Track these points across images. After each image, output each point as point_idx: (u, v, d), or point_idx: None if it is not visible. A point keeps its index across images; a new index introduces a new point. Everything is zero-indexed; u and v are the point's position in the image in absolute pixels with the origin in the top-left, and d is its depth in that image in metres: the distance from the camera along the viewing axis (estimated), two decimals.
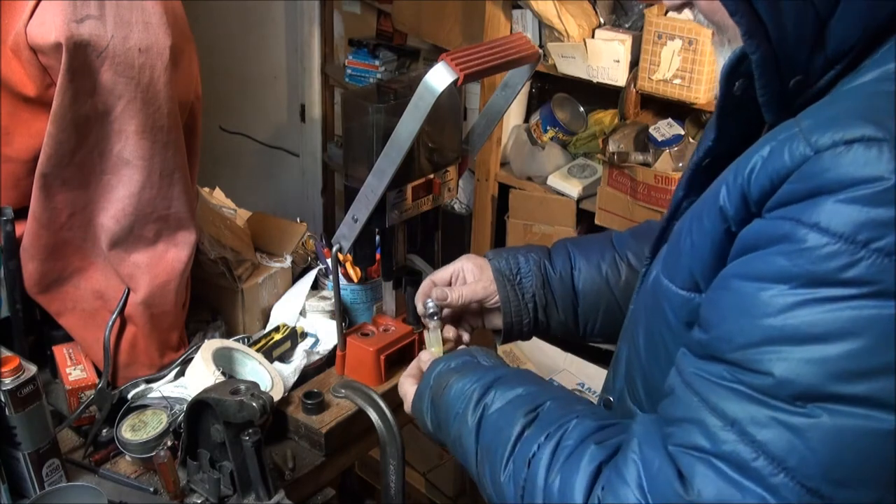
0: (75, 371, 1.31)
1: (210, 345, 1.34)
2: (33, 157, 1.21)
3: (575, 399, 0.89)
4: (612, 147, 2.11)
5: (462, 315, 1.24)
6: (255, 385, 1.12)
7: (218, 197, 1.76)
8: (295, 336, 1.46)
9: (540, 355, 2.25)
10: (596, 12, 2.26)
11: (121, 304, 1.31)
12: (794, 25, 0.69)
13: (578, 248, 1.21)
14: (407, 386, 1.09)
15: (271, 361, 1.40)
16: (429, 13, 2.76)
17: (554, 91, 2.49)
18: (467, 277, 1.22)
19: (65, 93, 1.15)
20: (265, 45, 3.59)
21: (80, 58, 1.14)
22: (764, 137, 0.69)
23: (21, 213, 1.25)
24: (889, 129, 0.61)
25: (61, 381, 1.30)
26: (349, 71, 3.13)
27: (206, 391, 1.14)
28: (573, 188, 2.35)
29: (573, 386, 2.16)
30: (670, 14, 1.99)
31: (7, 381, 1.06)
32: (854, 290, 0.60)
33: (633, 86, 2.13)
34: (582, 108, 2.44)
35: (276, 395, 1.29)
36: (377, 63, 3.05)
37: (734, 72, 0.73)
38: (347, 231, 1.28)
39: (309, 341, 1.48)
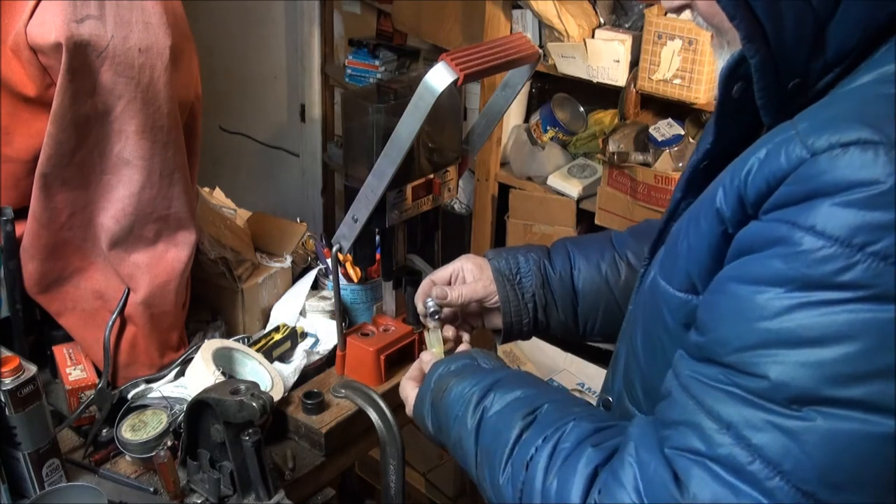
0: (75, 371, 1.31)
1: (210, 345, 1.34)
2: (33, 157, 1.21)
3: (573, 401, 0.89)
4: (612, 147, 2.10)
5: (462, 315, 1.24)
6: (255, 385, 1.12)
7: (218, 197, 1.76)
8: (295, 336, 1.46)
9: (540, 355, 2.25)
10: (596, 12, 2.26)
11: (121, 304, 1.31)
12: (793, 28, 0.69)
13: (578, 247, 1.21)
14: (408, 389, 1.09)
15: (271, 361, 1.40)
16: (429, 13, 2.76)
17: (554, 91, 2.49)
18: (467, 277, 1.22)
19: (65, 93, 1.15)
20: (265, 45, 3.59)
21: (80, 58, 1.14)
22: (761, 140, 0.69)
23: (21, 213, 1.26)
24: (885, 132, 0.61)
25: (61, 381, 1.31)
26: (349, 71, 3.13)
27: (206, 391, 1.14)
28: (573, 188, 2.35)
29: (573, 386, 2.16)
30: (670, 14, 1.99)
31: (7, 381, 1.07)
32: (850, 293, 0.60)
33: (633, 86, 2.13)
34: (582, 108, 2.43)
35: (276, 395, 1.29)
36: (377, 63, 3.05)
37: (733, 74, 0.73)
38: (347, 231, 1.28)
39: (309, 341, 1.48)
